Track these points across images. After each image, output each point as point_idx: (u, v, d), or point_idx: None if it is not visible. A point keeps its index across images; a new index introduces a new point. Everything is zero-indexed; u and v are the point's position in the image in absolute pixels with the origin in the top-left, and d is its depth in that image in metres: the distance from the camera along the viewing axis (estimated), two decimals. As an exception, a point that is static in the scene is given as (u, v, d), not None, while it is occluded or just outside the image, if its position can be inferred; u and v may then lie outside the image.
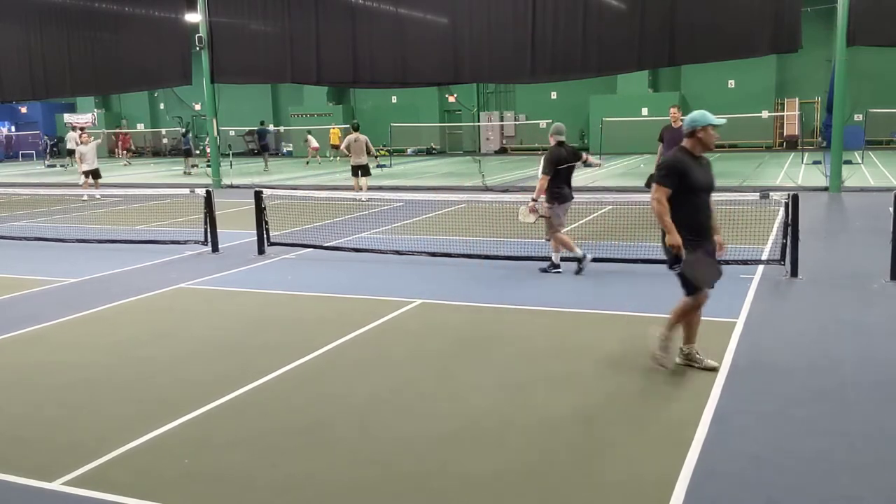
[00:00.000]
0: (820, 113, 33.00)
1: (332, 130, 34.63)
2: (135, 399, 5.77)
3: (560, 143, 9.54)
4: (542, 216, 9.52)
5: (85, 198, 19.92)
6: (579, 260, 9.57)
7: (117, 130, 46.03)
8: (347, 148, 18.43)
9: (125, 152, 41.31)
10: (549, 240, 9.74)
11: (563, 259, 9.77)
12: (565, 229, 9.81)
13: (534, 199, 9.42)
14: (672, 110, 13.64)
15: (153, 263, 11.13)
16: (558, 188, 9.44)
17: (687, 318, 5.92)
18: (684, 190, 5.65)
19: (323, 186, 21.63)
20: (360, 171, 18.42)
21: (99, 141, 21.72)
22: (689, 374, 5.94)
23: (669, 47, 17.89)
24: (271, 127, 37.73)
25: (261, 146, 31.47)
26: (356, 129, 18.93)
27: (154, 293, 9.29)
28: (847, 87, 17.63)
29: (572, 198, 9.67)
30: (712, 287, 5.83)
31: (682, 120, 13.60)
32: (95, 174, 19.97)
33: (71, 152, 31.04)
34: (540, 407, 5.39)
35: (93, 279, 10.21)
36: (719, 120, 5.68)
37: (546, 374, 6.09)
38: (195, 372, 6.38)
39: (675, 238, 5.64)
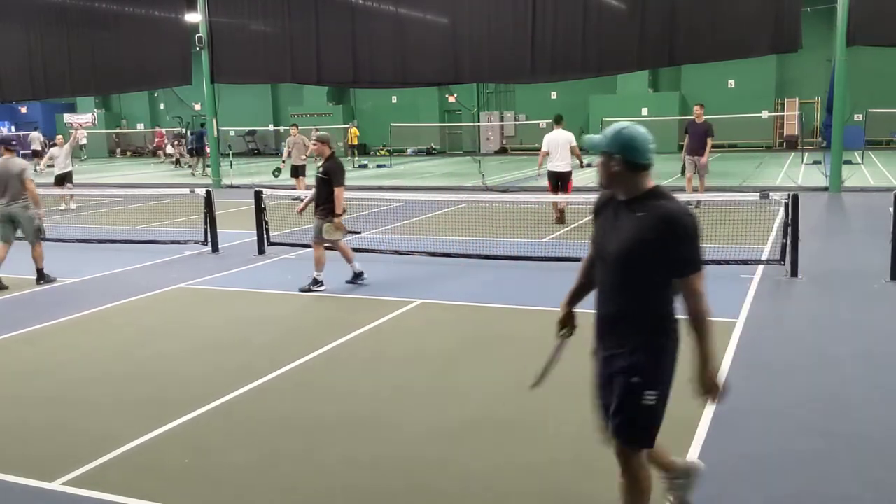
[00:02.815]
0: (820, 113, 32.98)
1: (351, 130, 34.36)
2: (135, 399, 5.77)
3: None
4: (349, 231, 8.98)
5: (71, 206, 18.50)
6: (315, 281, 9.06)
7: (121, 130, 46.03)
8: (291, 149, 18.40)
9: (164, 152, 38.89)
10: (327, 247, 9.17)
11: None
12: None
13: (338, 215, 8.81)
14: (696, 108, 15.60)
15: (153, 263, 11.13)
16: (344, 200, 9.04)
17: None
18: None
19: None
20: (301, 170, 18.47)
21: (83, 134, 19.54)
22: (689, 375, 5.93)
23: (669, 47, 17.91)
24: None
25: (196, 148, 29.84)
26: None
27: (154, 293, 9.28)
28: (847, 87, 17.62)
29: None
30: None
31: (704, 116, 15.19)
32: (67, 178, 18.23)
33: (36, 153, 29.77)
34: (540, 407, 5.39)
35: (93, 279, 10.21)
36: (590, 140, 3.35)
37: (546, 374, 6.07)
38: (195, 372, 6.38)
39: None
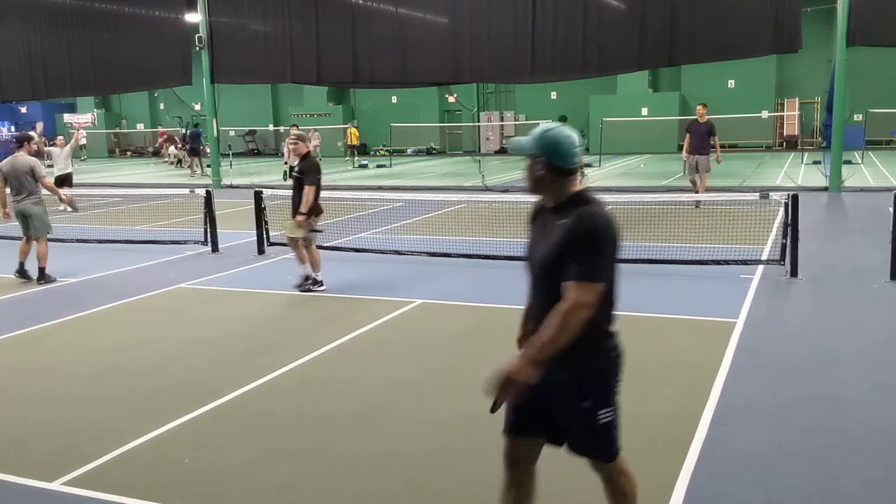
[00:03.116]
0: (820, 113, 33.01)
1: (351, 130, 34.27)
2: (135, 399, 5.77)
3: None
4: (313, 230, 8.91)
5: (67, 209, 18.45)
6: (315, 281, 9.02)
7: (121, 130, 46.01)
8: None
9: (168, 152, 37.69)
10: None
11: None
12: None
13: (303, 213, 8.68)
14: (699, 108, 15.79)
15: (153, 263, 11.13)
16: (317, 200, 8.91)
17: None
18: None
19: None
20: None
21: (83, 135, 18.94)
22: (689, 374, 5.94)
23: (669, 47, 17.91)
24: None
25: (192, 147, 29.25)
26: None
27: (154, 293, 9.29)
28: (847, 87, 17.62)
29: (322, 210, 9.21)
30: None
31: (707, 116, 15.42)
32: (67, 179, 17.83)
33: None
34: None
35: (93, 279, 10.21)
36: (516, 143, 3.23)
37: (546, 374, 6.08)
38: (195, 372, 6.38)
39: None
